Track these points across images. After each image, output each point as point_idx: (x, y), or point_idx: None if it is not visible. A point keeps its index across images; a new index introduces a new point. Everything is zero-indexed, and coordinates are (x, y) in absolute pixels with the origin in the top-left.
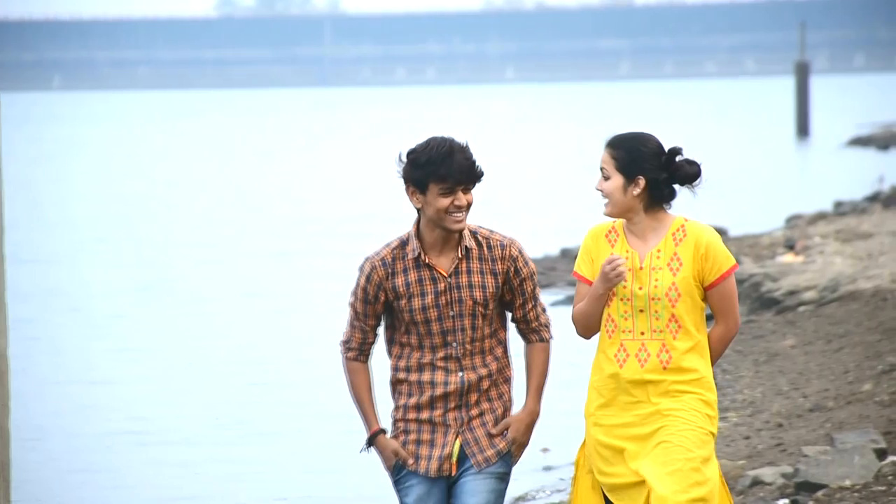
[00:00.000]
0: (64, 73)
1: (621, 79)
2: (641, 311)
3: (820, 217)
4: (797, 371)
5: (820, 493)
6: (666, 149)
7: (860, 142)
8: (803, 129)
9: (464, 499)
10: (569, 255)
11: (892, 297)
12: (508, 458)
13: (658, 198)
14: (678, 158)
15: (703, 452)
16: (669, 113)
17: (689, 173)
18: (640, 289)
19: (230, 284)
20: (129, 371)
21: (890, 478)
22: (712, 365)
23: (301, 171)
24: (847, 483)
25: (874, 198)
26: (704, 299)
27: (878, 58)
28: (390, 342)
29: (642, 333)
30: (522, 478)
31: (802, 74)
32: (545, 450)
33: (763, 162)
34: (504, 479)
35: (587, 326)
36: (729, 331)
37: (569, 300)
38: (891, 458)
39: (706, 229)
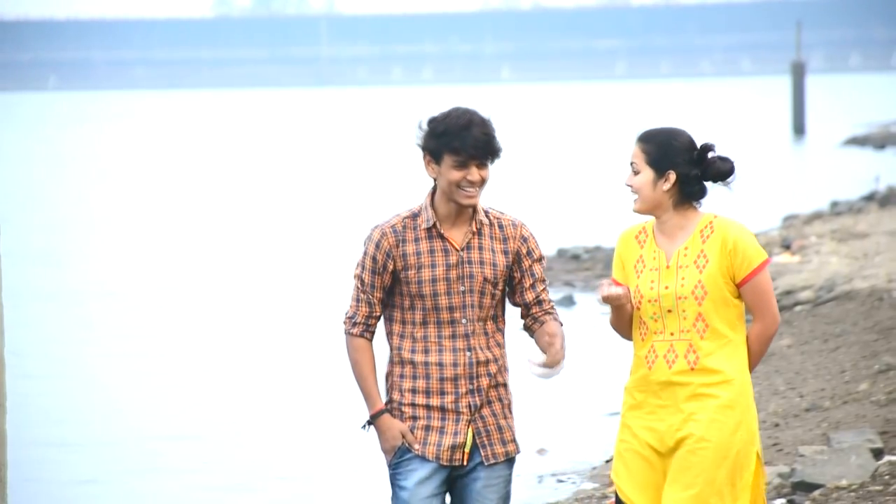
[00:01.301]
0: (60, 74)
1: (618, 79)
2: (669, 311)
3: (816, 217)
4: (793, 371)
5: (816, 493)
6: (698, 145)
7: (856, 141)
8: (799, 128)
9: (469, 503)
10: (565, 255)
11: (889, 296)
12: (514, 461)
13: (688, 194)
14: (710, 155)
15: (721, 472)
16: (666, 112)
17: (722, 170)
18: (667, 288)
19: (224, 286)
20: (128, 374)
21: (886, 477)
22: (754, 364)
23: (297, 172)
24: (843, 483)
25: (870, 197)
26: (740, 297)
27: (874, 57)
28: (390, 320)
29: (672, 334)
30: (518, 481)
31: (798, 74)
32: (541, 451)
33: (759, 161)
34: (510, 481)
35: (621, 331)
36: (767, 328)
37: (565, 301)
38: (887, 458)
39: (734, 225)
